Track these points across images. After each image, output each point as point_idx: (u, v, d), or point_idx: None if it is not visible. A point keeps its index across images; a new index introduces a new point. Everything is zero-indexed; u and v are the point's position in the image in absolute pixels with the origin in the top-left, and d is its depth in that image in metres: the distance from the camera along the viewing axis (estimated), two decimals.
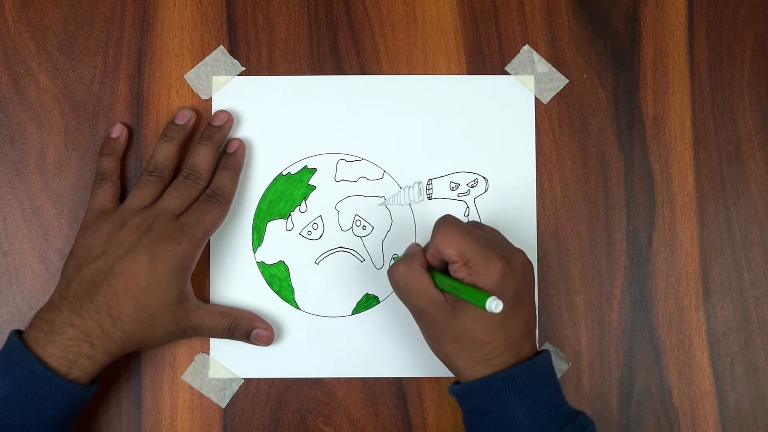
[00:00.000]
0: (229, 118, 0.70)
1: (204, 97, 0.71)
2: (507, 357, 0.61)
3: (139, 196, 0.67)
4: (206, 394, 0.70)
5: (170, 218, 0.65)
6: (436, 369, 0.69)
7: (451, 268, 0.61)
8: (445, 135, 0.72)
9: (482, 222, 0.71)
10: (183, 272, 0.64)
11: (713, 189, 0.72)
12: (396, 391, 0.70)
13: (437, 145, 0.71)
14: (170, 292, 0.64)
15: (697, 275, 0.71)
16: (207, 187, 0.68)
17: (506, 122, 0.72)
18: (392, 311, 0.70)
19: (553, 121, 0.72)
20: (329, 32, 0.72)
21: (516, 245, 0.65)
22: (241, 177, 0.70)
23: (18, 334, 0.63)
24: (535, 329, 0.64)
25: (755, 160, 0.72)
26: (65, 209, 0.71)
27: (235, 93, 0.71)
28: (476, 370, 0.61)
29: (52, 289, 0.65)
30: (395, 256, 0.71)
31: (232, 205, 0.69)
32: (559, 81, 0.72)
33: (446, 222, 0.62)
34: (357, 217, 0.71)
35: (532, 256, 0.70)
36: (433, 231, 0.62)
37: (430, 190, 0.71)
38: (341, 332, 0.70)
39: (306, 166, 0.71)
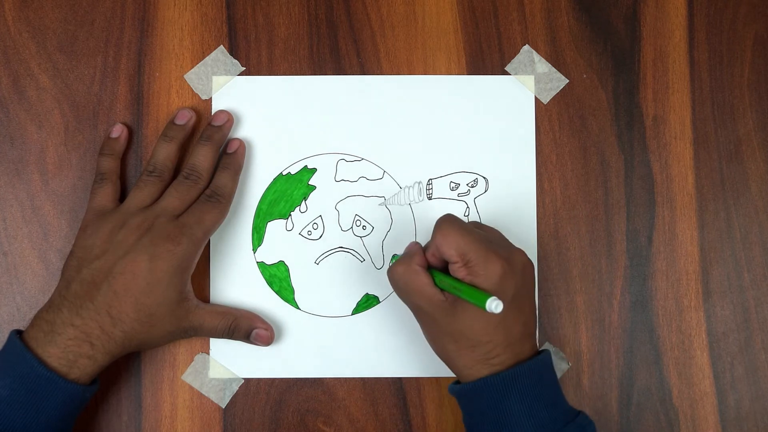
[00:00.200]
0: (229, 118, 0.70)
1: (204, 97, 0.71)
2: (507, 357, 0.61)
3: (139, 196, 0.67)
4: (206, 394, 0.70)
5: (170, 218, 0.65)
6: (436, 369, 0.69)
7: (452, 268, 0.61)
8: (445, 135, 0.72)
9: (482, 222, 0.71)
10: (183, 272, 0.64)
11: (713, 189, 0.72)
12: (396, 391, 0.70)
13: (437, 145, 0.71)
14: (170, 292, 0.64)
15: (697, 275, 0.71)
16: (207, 187, 0.68)
17: (506, 122, 0.72)
18: (392, 311, 0.70)
19: (553, 121, 0.72)
20: (329, 32, 0.72)
21: (516, 245, 0.65)
22: (241, 177, 0.70)
23: (18, 334, 0.63)
24: (535, 329, 0.64)
25: (755, 160, 0.72)
26: (65, 209, 0.71)
27: (235, 93, 0.71)
28: (476, 369, 0.61)
29: (52, 289, 0.65)
30: (395, 255, 0.71)
31: (232, 205, 0.69)
32: (559, 81, 0.72)
33: (447, 222, 0.62)
34: (357, 217, 0.71)
35: (532, 256, 0.70)
36: (434, 230, 0.62)
37: (430, 190, 0.71)
38: (341, 332, 0.70)
39: (306, 166, 0.71)
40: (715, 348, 0.71)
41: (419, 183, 0.71)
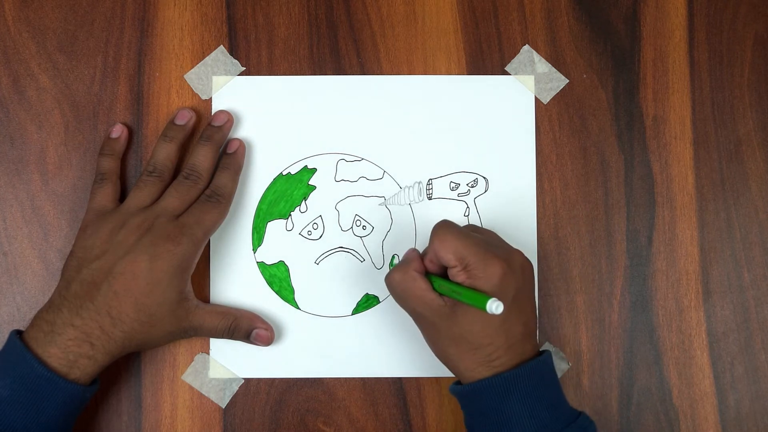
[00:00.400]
0: (229, 118, 0.70)
1: (204, 97, 0.71)
2: (508, 358, 0.61)
3: (139, 196, 0.67)
4: (206, 394, 0.70)
5: (170, 218, 0.65)
6: (436, 369, 0.69)
7: (451, 273, 0.61)
8: (445, 135, 0.72)
9: (482, 222, 0.71)
10: (183, 272, 0.64)
11: (713, 189, 0.72)
12: (396, 391, 0.70)
13: (437, 145, 0.71)
14: (170, 292, 0.64)
15: (697, 275, 0.71)
16: (207, 187, 0.68)
17: (506, 122, 0.72)
18: (392, 311, 0.70)
19: (553, 121, 0.72)
20: (329, 32, 0.72)
21: (516, 245, 0.65)
22: (241, 177, 0.70)
23: (18, 334, 0.63)
24: (535, 329, 0.64)
25: (755, 160, 0.72)
26: (65, 209, 0.71)
27: (235, 93, 0.71)
28: (478, 371, 0.61)
29: (52, 289, 0.65)
30: (395, 256, 0.71)
31: (232, 205, 0.69)
32: (559, 81, 0.72)
33: (443, 227, 0.62)
34: (357, 217, 0.71)
35: (532, 256, 0.70)
36: (431, 237, 0.62)
37: (430, 190, 0.71)
38: (341, 332, 0.70)
39: (306, 166, 0.71)
40: (715, 348, 0.71)
41: (419, 183, 0.71)
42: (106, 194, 0.68)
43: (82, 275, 0.63)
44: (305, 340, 0.70)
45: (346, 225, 0.71)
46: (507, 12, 0.72)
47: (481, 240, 0.62)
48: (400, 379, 0.70)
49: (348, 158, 0.71)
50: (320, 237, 0.71)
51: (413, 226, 0.71)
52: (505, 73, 0.72)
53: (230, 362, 0.70)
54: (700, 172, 0.72)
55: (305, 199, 0.71)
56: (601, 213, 0.71)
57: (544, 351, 0.63)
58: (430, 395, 0.70)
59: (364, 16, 0.72)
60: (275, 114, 0.71)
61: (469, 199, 0.71)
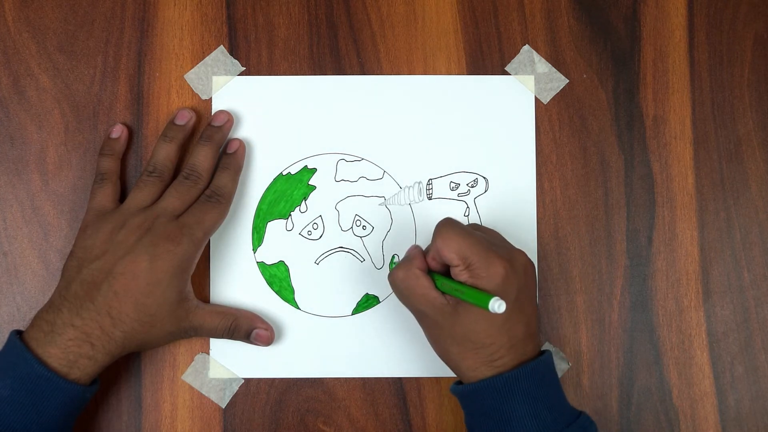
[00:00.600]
0: (229, 119, 0.70)
1: (204, 97, 0.71)
2: (510, 358, 0.61)
3: (139, 196, 0.67)
4: (206, 394, 0.70)
5: (170, 218, 0.65)
6: (436, 369, 0.69)
7: (453, 272, 0.61)
8: (445, 135, 0.72)
9: (482, 223, 0.71)
10: (183, 272, 0.64)
11: (713, 189, 0.72)
12: (396, 391, 0.70)
13: (437, 145, 0.71)
14: (170, 292, 0.64)
15: (697, 275, 0.71)
16: (207, 187, 0.68)
17: (506, 122, 0.72)
18: (392, 311, 0.70)
19: (553, 121, 0.72)
20: (329, 32, 0.72)
21: (516, 245, 0.65)
22: (241, 177, 0.70)
23: (18, 334, 0.63)
24: (537, 330, 0.64)
25: (755, 160, 0.72)
26: (65, 209, 0.71)
27: (235, 93, 0.71)
28: (480, 371, 0.61)
29: (52, 289, 0.65)
30: (395, 256, 0.71)
31: (232, 205, 0.69)
32: (559, 81, 0.72)
33: (446, 225, 0.62)
34: (357, 217, 0.71)
35: (532, 256, 0.70)
36: (434, 234, 0.62)
37: (430, 190, 0.71)
38: (341, 332, 0.70)
39: (306, 166, 0.71)
40: (715, 348, 0.71)
41: (419, 183, 0.71)
42: (106, 194, 0.68)
43: (82, 275, 0.63)
44: (305, 340, 0.70)
45: (346, 225, 0.71)
46: (507, 12, 0.72)
47: (484, 239, 0.62)
48: (400, 379, 0.70)
49: (348, 158, 0.71)
50: (320, 237, 0.71)
51: (413, 226, 0.71)
52: (505, 73, 0.72)
53: (230, 362, 0.70)
54: (700, 172, 0.72)
55: (305, 199, 0.71)
56: (601, 213, 0.71)
57: (544, 351, 0.63)
58: (430, 395, 0.70)
59: (364, 16, 0.72)
60: (275, 114, 0.71)
61: (469, 199, 0.71)
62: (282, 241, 0.71)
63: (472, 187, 0.71)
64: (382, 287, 0.71)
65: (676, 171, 0.72)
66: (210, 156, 0.68)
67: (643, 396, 0.70)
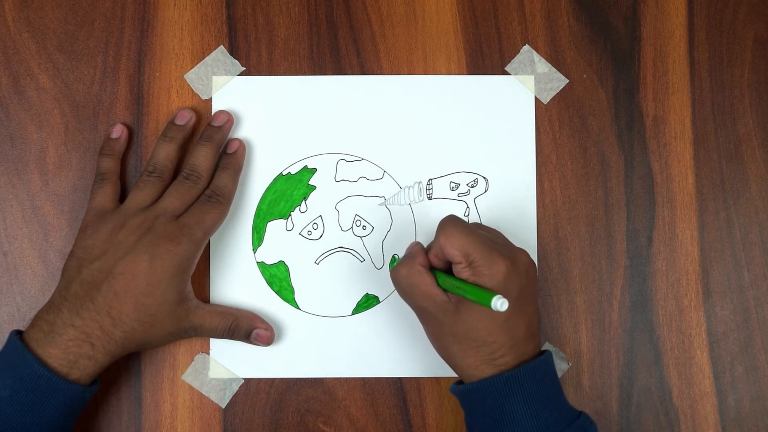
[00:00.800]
0: (229, 119, 0.70)
1: (204, 97, 0.71)
2: (511, 357, 0.61)
3: (139, 196, 0.67)
4: (206, 394, 0.70)
5: (170, 218, 0.65)
6: (436, 369, 0.69)
7: (455, 269, 0.61)
8: (445, 135, 0.72)
9: (483, 222, 0.71)
10: (183, 272, 0.64)
11: (713, 189, 0.72)
12: (396, 391, 0.70)
13: (437, 145, 0.71)
14: (170, 292, 0.64)
15: (697, 275, 0.71)
16: (207, 187, 0.68)
17: (506, 122, 0.72)
18: (392, 311, 0.70)
19: (553, 121, 0.72)
20: (329, 32, 0.72)
21: (516, 245, 0.65)
22: (241, 177, 0.70)
23: (18, 334, 0.63)
24: (538, 329, 0.64)
25: (755, 160, 0.72)
26: (65, 209, 0.71)
27: (235, 93, 0.71)
28: (480, 370, 0.61)
29: (52, 289, 0.65)
30: (395, 256, 0.71)
31: (232, 205, 0.69)
32: (559, 81, 0.72)
33: (450, 222, 0.62)
34: (357, 217, 0.71)
35: (533, 256, 0.70)
36: (437, 231, 0.62)
37: (430, 190, 0.71)
38: (341, 332, 0.70)
39: (306, 166, 0.71)
40: (715, 348, 0.71)
41: (419, 183, 0.71)
42: (106, 194, 0.68)
43: (83, 275, 0.63)
44: (305, 340, 0.70)
45: (346, 225, 0.71)
46: (507, 12, 0.72)
47: (487, 238, 0.62)
48: (400, 379, 0.70)
49: (348, 158, 0.71)
50: (320, 237, 0.71)
51: (413, 226, 0.71)
52: (505, 73, 0.72)
53: (230, 362, 0.70)
54: (700, 172, 0.72)
55: (305, 199, 0.71)
56: (601, 213, 0.71)
57: (544, 351, 0.63)
58: (430, 395, 0.70)
59: (364, 16, 0.72)
60: (275, 114, 0.71)
61: (469, 199, 0.71)
62: (282, 241, 0.71)
63: (472, 187, 0.71)
64: (382, 287, 0.71)
65: (676, 171, 0.72)
66: (210, 156, 0.68)
67: (643, 396, 0.70)
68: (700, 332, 0.71)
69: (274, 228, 0.71)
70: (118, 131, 0.70)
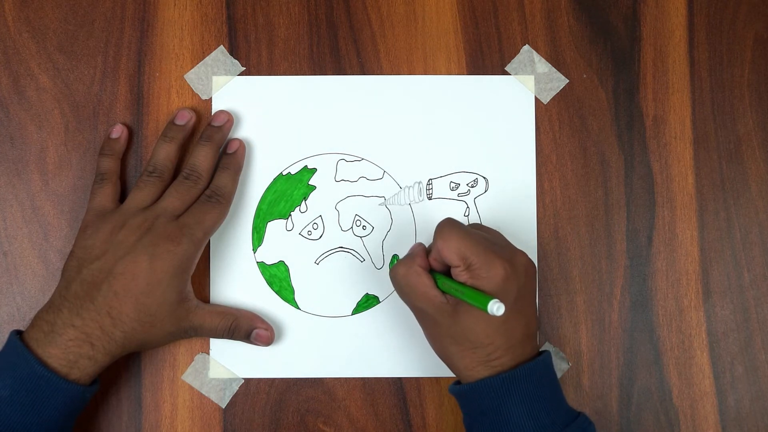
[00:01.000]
0: (229, 119, 0.70)
1: (204, 97, 0.71)
2: (508, 358, 0.61)
3: (139, 196, 0.67)
4: (206, 394, 0.70)
5: (170, 218, 0.65)
6: (436, 369, 0.69)
7: (454, 272, 0.61)
8: (445, 135, 0.72)
9: (482, 222, 0.71)
10: (183, 272, 0.64)
11: (713, 189, 0.72)
12: (396, 391, 0.70)
13: (437, 145, 0.71)
14: (170, 292, 0.64)
15: (697, 275, 0.71)
16: (207, 187, 0.68)
17: (506, 122, 0.72)
18: (392, 311, 0.70)
19: (553, 121, 0.72)
20: (329, 32, 0.72)
21: (516, 245, 0.65)
22: (241, 177, 0.70)
23: (18, 334, 0.63)
24: (536, 331, 0.64)
25: (755, 160, 0.72)
26: (65, 209, 0.71)
27: (235, 93, 0.71)
28: (477, 371, 0.61)
29: (52, 289, 0.65)
30: (395, 256, 0.71)
31: (232, 205, 0.69)
32: (559, 81, 0.72)
33: (447, 226, 0.62)
34: (357, 217, 0.71)
35: (532, 257, 0.70)
36: (435, 235, 0.62)
37: (430, 190, 0.71)
38: (341, 332, 0.70)
39: (306, 166, 0.71)
40: (715, 348, 0.71)
41: (419, 183, 0.71)
42: (106, 194, 0.68)
43: (83, 275, 0.63)
44: (305, 340, 0.70)
45: (346, 225, 0.71)
46: (507, 12, 0.72)
47: (485, 240, 0.62)
48: (400, 379, 0.70)
49: (348, 158, 0.71)
50: (320, 237, 0.71)
51: (413, 226, 0.71)
52: (505, 73, 0.72)
53: (230, 362, 0.70)
54: (700, 172, 0.72)
55: (305, 199, 0.71)
56: (601, 213, 0.71)
57: (543, 351, 0.63)
58: (430, 395, 0.70)
59: (364, 16, 0.72)
60: (275, 114, 0.71)
61: (469, 199, 0.71)
62: (282, 241, 0.71)
63: (472, 187, 0.71)
64: (382, 287, 0.71)
65: (676, 171, 0.72)
66: (210, 156, 0.68)
67: (643, 396, 0.70)
68: (700, 332, 0.71)
69: (274, 228, 0.71)
70: (118, 131, 0.70)
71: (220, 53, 0.72)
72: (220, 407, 0.70)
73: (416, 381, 0.70)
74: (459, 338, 0.61)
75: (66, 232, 0.70)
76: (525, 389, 0.60)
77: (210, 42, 0.72)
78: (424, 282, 0.62)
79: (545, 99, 0.72)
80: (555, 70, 0.72)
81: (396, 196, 0.71)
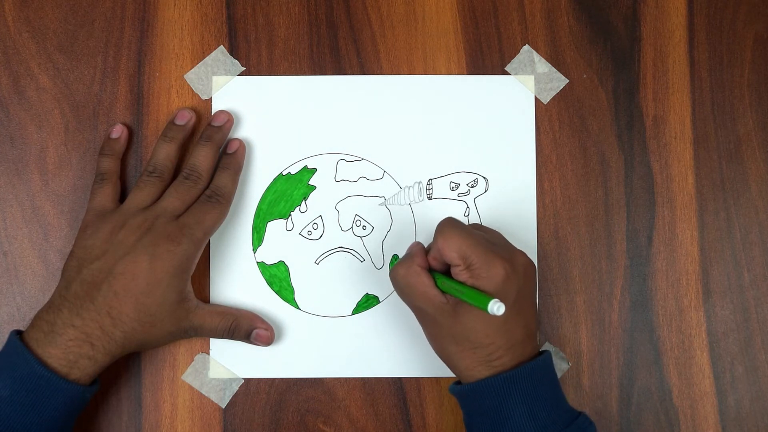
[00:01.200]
0: (229, 119, 0.70)
1: (204, 97, 0.71)
2: (509, 358, 0.61)
3: (139, 196, 0.67)
4: (206, 394, 0.70)
5: (170, 218, 0.65)
6: (436, 369, 0.69)
7: (454, 271, 0.61)
8: (445, 135, 0.72)
9: (482, 223, 0.71)
10: (183, 272, 0.64)
11: (713, 189, 0.72)
12: (396, 391, 0.70)
13: (437, 145, 0.71)
14: (170, 292, 0.64)
15: (697, 275, 0.71)
16: (207, 187, 0.68)
17: (506, 122, 0.72)
18: (392, 311, 0.70)
19: (553, 121, 0.72)
20: (329, 32, 0.72)
21: (516, 245, 0.65)
22: (241, 177, 0.70)
23: (18, 334, 0.63)
24: (536, 331, 0.64)
25: (755, 160, 0.72)
26: (65, 209, 0.71)
27: (235, 93, 0.71)
28: (477, 371, 0.61)
29: (52, 289, 0.65)
30: (395, 256, 0.71)
31: (232, 205, 0.69)
32: (559, 81, 0.72)
33: (448, 225, 0.62)
34: (357, 217, 0.71)
35: (532, 257, 0.70)
36: (435, 234, 0.62)
37: (430, 190, 0.71)
38: (341, 332, 0.70)
39: (306, 166, 0.71)
40: (715, 348, 0.71)
41: (419, 183, 0.71)
42: (106, 194, 0.68)
43: (83, 275, 0.63)
44: (305, 340, 0.70)
45: (346, 225, 0.71)
46: (507, 12, 0.72)
47: (485, 240, 0.62)
48: (400, 379, 0.70)
49: (348, 158, 0.71)
50: (320, 237, 0.71)
51: (413, 226, 0.71)
52: (505, 73, 0.72)
53: (230, 362, 0.70)
54: (700, 172, 0.72)
55: (305, 199, 0.71)
56: (601, 213, 0.71)
57: (544, 351, 0.63)
58: (430, 395, 0.70)
59: (364, 16, 0.72)
60: (275, 114, 0.71)
61: (469, 199, 0.71)
62: (282, 241, 0.71)
63: (472, 187, 0.71)
64: (382, 287, 0.71)
65: (676, 171, 0.72)
66: (210, 156, 0.68)
67: (643, 396, 0.70)
68: (700, 332, 0.71)
69: (274, 228, 0.71)
70: (118, 131, 0.70)
71: (220, 53, 0.72)
72: (220, 407, 0.70)
73: (416, 381, 0.70)
74: (459, 338, 0.61)
75: (66, 232, 0.70)
76: (525, 389, 0.60)
77: (210, 42, 0.72)
78: (423, 282, 0.62)
79: (545, 99, 0.72)
80: (555, 70, 0.72)
81: (396, 196, 0.71)
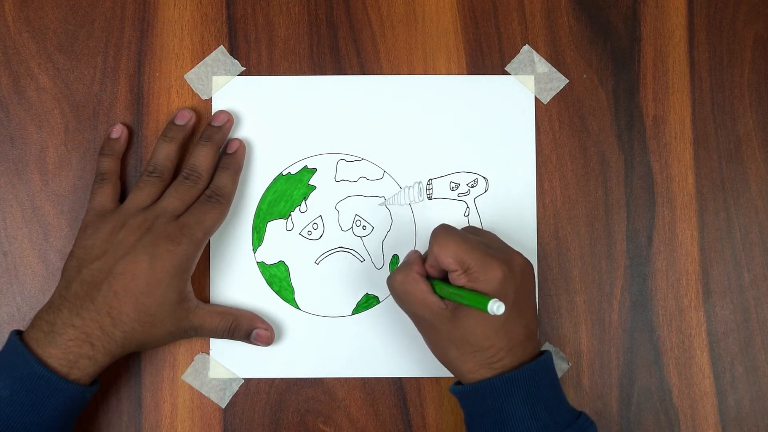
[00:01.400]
0: (229, 119, 0.70)
1: (204, 97, 0.71)
2: (510, 360, 0.61)
3: (139, 196, 0.67)
4: (206, 394, 0.70)
5: (170, 218, 0.65)
6: (436, 369, 0.69)
7: (451, 277, 0.61)
8: (445, 135, 0.72)
9: (482, 222, 0.71)
10: (183, 272, 0.64)
11: (713, 189, 0.72)
12: (396, 391, 0.70)
13: (437, 145, 0.71)
14: (170, 292, 0.64)
15: (697, 275, 0.71)
16: (207, 187, 0.68)
17: (506, 122, 0.72)
18: (392, 311, 0.70)
19: (553, 121, 0.72)
20: (329, 32, 0.72)
21: (516, 246, 0.65)
22: (241, 177, 0.70)
23: (18, 334, 0.63)
24: (536, 331, 0.64)
25: (755, 160, 0.72)
26: (65, 209, 0.71)
27: (235, 93, 0.71)
28: (479, 373, 0.61)
29: (52, 289, 0.65)
30: (395, 256, 0.71)
31: (232, 205, 0.69)
32: (559, 81, 0.72)
33: (442, 231, 0.62)
34: (357, 217, 0.71)
35: (532, 257, 0.70)
36: (431, 241, 0.62)
37: (430, 190, 0.71)
38: (341, 332, 0.70)
39: (306, 166, 0.71)
40: (715, 348, 0.71)
41: (419, 183, 0.71)
42: (106, 194, 0.68)
43: (83, 275, 0.63)
44: (305, 340, 0.70)
45: (346, 225, 0.71)
46: (507, 12, 0.72)
47: (481, 243, 0.62)
48: (400, 379, 0.70)
49: (348, 158, 0.71)
50: (320, 237, 0.71)
51: (413, 226, 0.71)
52: (505, 73, 0.72)
53: (230, 362, 0.70)
54: (700, 172, 0.72)
55: (305, 199, 0.71)
56: (601, 213, 0.71)
57: (544, 351, 0.63)
58: (430, 395, 0.70)
59: (364, 16, 0.72)
60: (275, 114, 0.71)
61: (469, 199, 0.71)
62: (282, 241, 0.71)
63: (472, 187, 0.71)
64: (382, 287, 0.71)
65: (676, 171, 0.72)
66: (210, 156, 0.68)
67: (643, 396, 0.70)
68: (700, 332, 0.71)
69: (274, 228, 0.71)
70: (118, 131, 0.70)
71: (220, 53, 0.72)
72: (220, 407, 0.70)
73: (416, 381, 0.70)
74: (459, 342, 0.61)
75: (66, 232, 0.70)
76: (526, 389, 0.60)
77: (210, 42, 0.72)
78: (421, 288, 0.62)
79: (545, 99, 0.72)
80: (555, 70, 0.72)
81: (396, 196, 0.71)
